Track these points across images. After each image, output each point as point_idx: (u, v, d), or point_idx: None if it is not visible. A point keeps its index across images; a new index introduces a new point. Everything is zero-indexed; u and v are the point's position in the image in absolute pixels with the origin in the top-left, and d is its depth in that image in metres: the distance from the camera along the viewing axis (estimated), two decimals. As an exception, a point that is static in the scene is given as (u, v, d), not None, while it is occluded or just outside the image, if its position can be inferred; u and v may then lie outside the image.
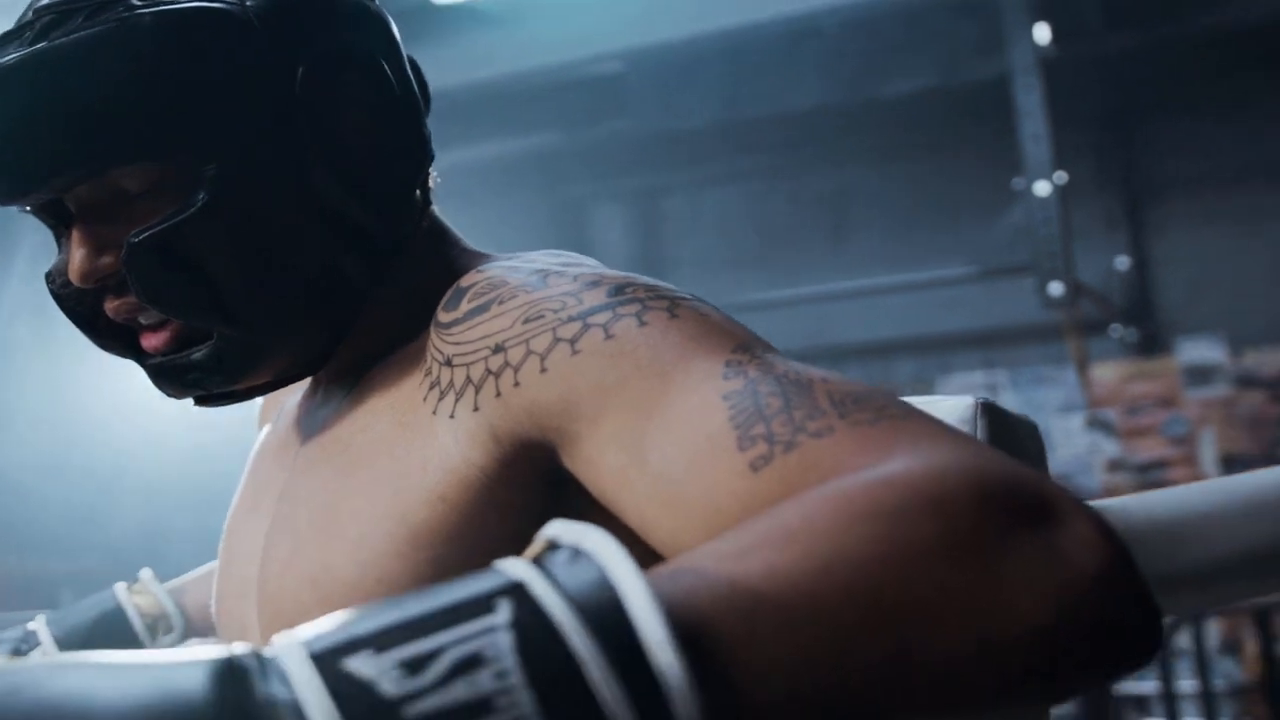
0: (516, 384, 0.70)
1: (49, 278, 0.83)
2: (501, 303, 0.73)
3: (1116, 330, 4.54)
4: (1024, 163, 3.65)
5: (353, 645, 0.38)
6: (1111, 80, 4.12)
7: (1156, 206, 4.54)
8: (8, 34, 0.77)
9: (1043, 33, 3.59)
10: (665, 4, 3.49)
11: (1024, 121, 3.64)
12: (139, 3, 0.75)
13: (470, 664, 0.37)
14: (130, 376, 0.89)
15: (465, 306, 0.75)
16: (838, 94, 3.94)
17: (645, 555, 0.53)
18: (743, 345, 0.65)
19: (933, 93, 3.90)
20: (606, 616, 0.39)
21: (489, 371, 0.71)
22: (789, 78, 3.92)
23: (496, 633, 0.38)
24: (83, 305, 0.82)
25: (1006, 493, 0.50)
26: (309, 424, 0.88)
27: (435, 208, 0.88)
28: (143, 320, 0.80)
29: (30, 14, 0.77)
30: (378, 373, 0.83)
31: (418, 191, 0.85)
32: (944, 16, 3.74)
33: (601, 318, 0.69)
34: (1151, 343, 4.55)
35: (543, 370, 0.68)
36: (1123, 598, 0.49)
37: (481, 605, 0.39)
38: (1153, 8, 3.81)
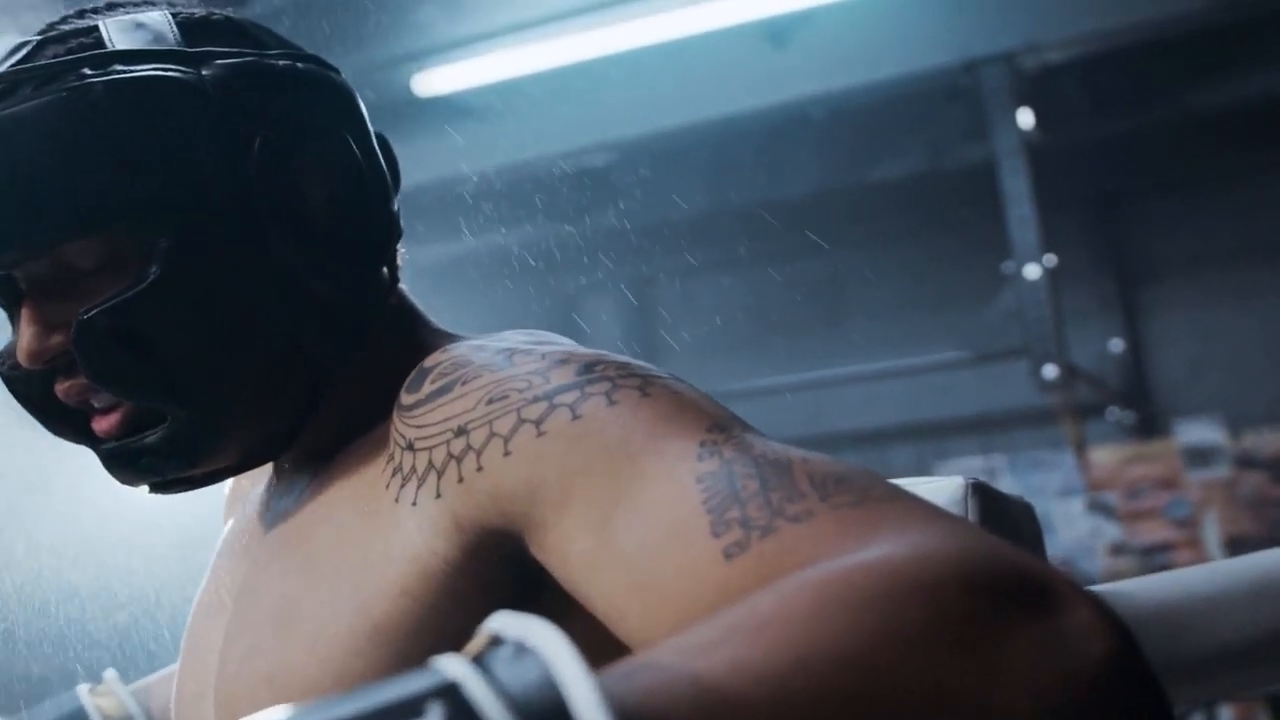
0: (479, 468, 0.66)
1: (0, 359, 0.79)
2: (465, 383, 0.70)
3: (1113, 413, 4.51)
4: (1013, 246, 3.66)
5: None
6: (1098, 163, 4.15)
7: (1149, 288, 4.55)
8: None
9: (1026, 118, 3.62)
10: (653, 94, 3.52)
11: (1011, 205, 3.65)
12: (90, 72, 0.72)
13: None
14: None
15: (428, 388, 0.72)
16: (827, 180, 3.96)
17: (617, 650, 0.49)
18: (718, 424, 0.62)
19: (921, 177, 3.92)
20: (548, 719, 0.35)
21: (450, 455, 0.68)
22: (779, 165, 3.94)
23: (422, 741, 0.35)
24: (34, 389, 0.78)
25: (1000, 578, 0.46)
26: (270, 515, 0.84)
27: (404, 286, 0.86)
28: (95, 403, 0.76)
29: None
30: (340, 459, 0.79)
31: (384, 269, 0.82)
32: (930, 102, 3.78)
33: (568, 397, 0.65)
34: (1149, 425, 4.53)
35: (506, 453, 0.65)
36: (1129, 688, 0.45)
37: (409, 709, 0.36)
38: (1136, 91, 3.85)
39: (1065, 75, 3.76)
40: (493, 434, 0.66)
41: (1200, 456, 4.20)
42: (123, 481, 0.79)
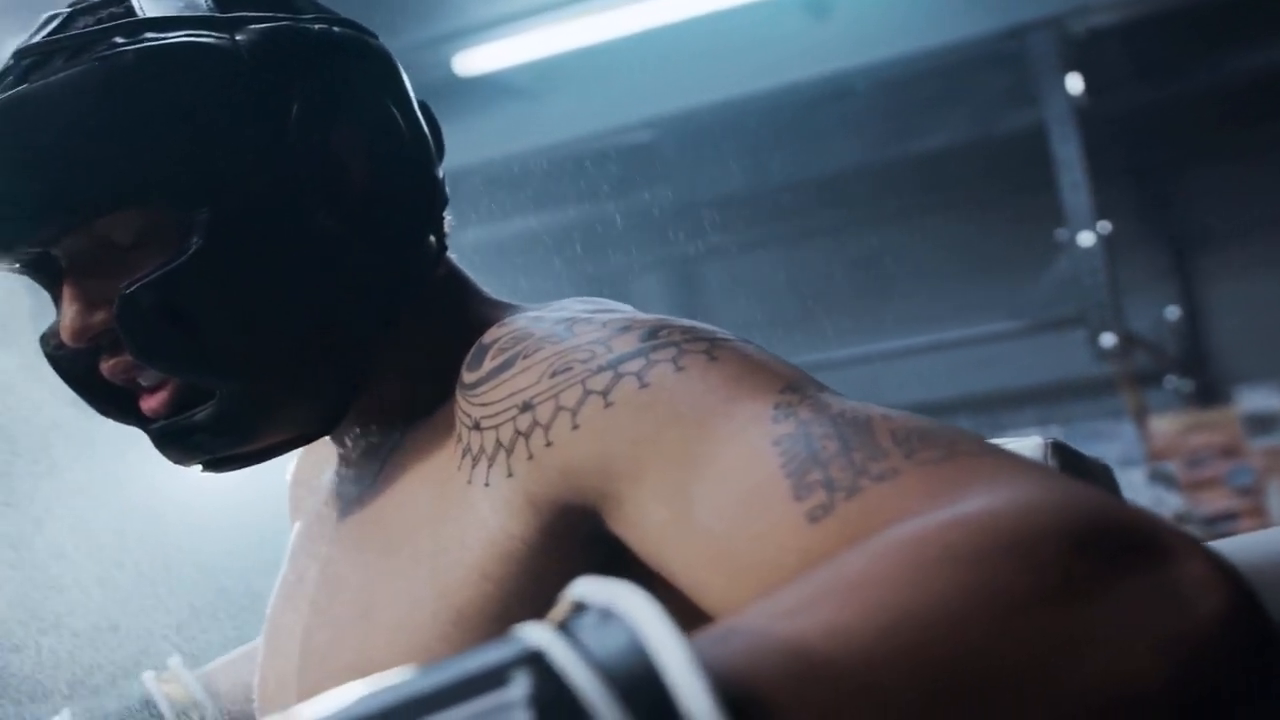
0: (548, 443, 0.64)
1: (44, 340, 0.78)
2: (526, 357, 0.68)
3: (1171, 381, 4.43)
4: (1065, 214, 3.60)
5: None
6: (1148, 128, 4.07)
7: (1204, 253, 4.46)
8: None
9: (1075, 83, 3.55)
10: (693, 71, 3.49)
11: (1062, 172, 3.59)
12: (121, 40, 0.70)
13: (480, 747, 0.32)
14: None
15: (489, 364, 0.70)
16: (873, 152, 3.92)
17: (699, 620, 0.47)
18: (791, 385, 0.59)
19: (969, 147, 3.86)
20: (640, 688, 0.33)
21: (518, 432, 0.66)
22: (822, 139, 3.89)
23: (511, 711, 0.33)
24: (79, 368, 0.77)
25: (1105, 531, 0.43)
26: (343, 503, 0.83)
27: (453, 255, 0.84)
28: (141, 381, 0.75)
29: (11, 57, 0.72)
30: (409, 443, 0.78)
31: (431, 236, 0.80)
32: (975, 70, 3.72)
33: (634, 365, 0.63)
34: (1208, 393, 4.45)
35: (574, 427, 0.63)
36: (1250, 642, 0.42)
37: (495, 679, 0.34)
38: (1186, 53, 3.78)
39: (1113, 39, 3.69)
40: (559, 408, 0.64)
41: (1261, 424, 4.12)
42: (174, 461, 0.78)
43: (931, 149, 3.90)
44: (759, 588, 0.52)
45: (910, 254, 4.35)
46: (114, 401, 0.78)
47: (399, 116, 0.78)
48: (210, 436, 0.75)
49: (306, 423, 0.79)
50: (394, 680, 0.35)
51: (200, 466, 0.79)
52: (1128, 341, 3.69)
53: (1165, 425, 4.23)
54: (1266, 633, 0.42)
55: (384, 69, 0.79)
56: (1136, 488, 4.25)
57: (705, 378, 0.61)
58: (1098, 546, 0.42)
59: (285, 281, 0.73)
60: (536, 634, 0.35)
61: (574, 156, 3.68)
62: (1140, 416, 4.16)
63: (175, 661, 1.11)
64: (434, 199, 0.80)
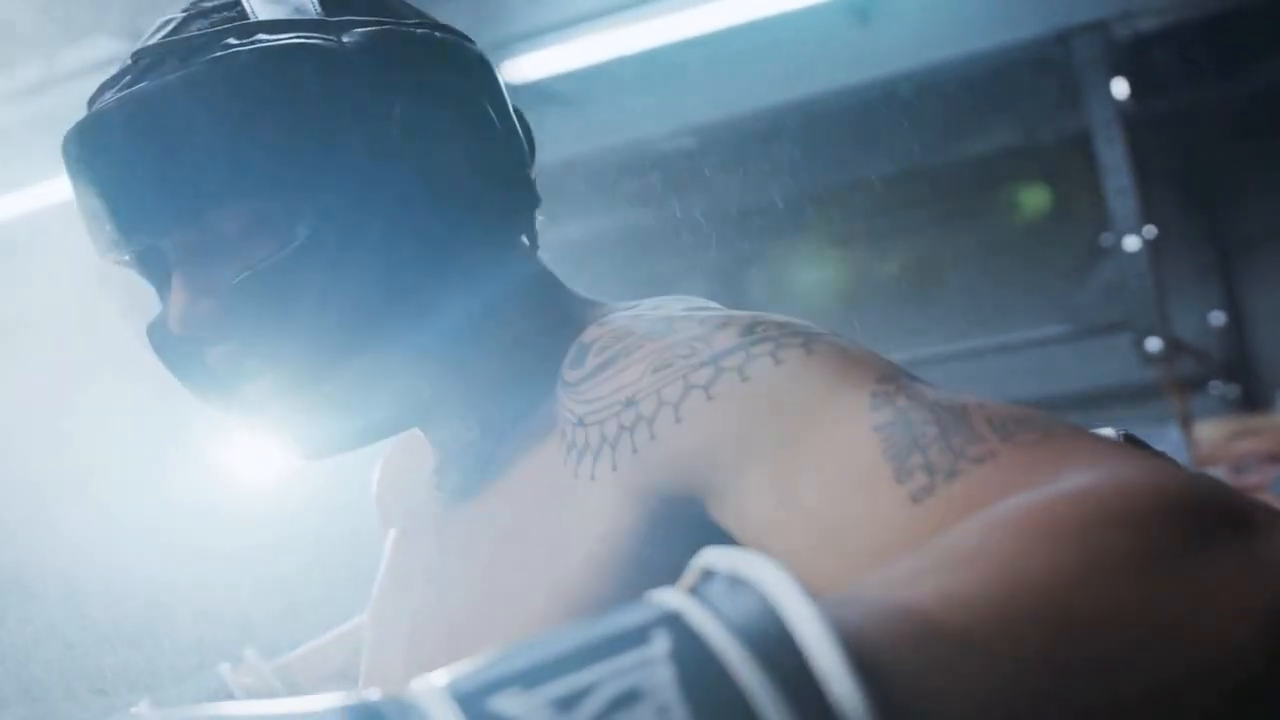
0: (652, 437, 0.66)
1: (150, 331, 0.81)
2: (628, 354, 0.70)
3: (1216, 387, 4.41)
4: (1111, 218, 3.59)
5: (499, 684, 0.35)
6: (1193, 132, 4.05)
7: (1249, 259, 4.43)
8: (107, 80, 0.77)
9: (1120, 87, 3.54)
10: (736, 78, 3.50)
11: (1108, 176, 3.57)
12: (235, 42, 0.74)
13: (628, 699, 0.34)
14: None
15: (591, 362, 0.72)
16: (918, 157, 3.92)
17: None
18: (887, 375, 0.62)
19: (1014, 152, 3.86)
20: (773, 645, 0.35)
21: (623, 427, 0.68)
22: (866, 144, 3.90)
23: (655, 666, 0.35)
24: (185, 357, 0.80)
25: (1201, 505, 0.45)
26: (446, 503, 0.85)
27: (543, 255, 0.86)
28: (245, 371, 0.78)
29: (129, 59, 0.76)
30: (512, 441, 0.80)
31: (523, 235, 0.83)
32: (1019, 75, 3.71)
33: (734, 360, 0.65)
34: (1253, 398, 4.42)
35: (677, 420, 0.65)
36: None
37: (636, 637, 0.36)
38: (1231, 57, 3.76)
39: (1158, 43, 3.68)
40: (662, 402, 0.66)
41: (1307, 429, 4.08)
42: (275, 448, 0.81)
43: (977, 154, 3.90)
44: (867, 567, 0.54)
45: (955, 259, 4.35)
46: (219, 392, 0.80)
47: (495, 118, 0.80)
48: (311, 423, 0.78)
49: (403, 409, 0.82)
50: (541, 637, 0.37)
51: (298, 453, 0.82)
52: (1173, 346, 3.67)
53: (1210, 431, 4.20)
54: None
55: (481, 72, 0.82)
56: (1182, 494, 4.22)
57: (804, 370, 0.63)
58: (1193, 518, 0.44)
59: (386, 273, 0.75)
60: (671, 598, 0.37)
61: (618, 163, 3.70)
62: (1186, 422, 4.13)
63: (251, 654, 1.14)
64: (528, 199, 0.83)
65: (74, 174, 0.76)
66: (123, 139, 0.73)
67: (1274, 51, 3.76)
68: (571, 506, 0.72)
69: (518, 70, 3.28)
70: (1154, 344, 3.59)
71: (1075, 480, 0.47)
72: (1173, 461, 0.90)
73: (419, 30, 0.79)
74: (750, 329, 0.67)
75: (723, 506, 0.64)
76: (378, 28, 0.77)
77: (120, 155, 0.74)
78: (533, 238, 0.85)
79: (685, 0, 3.23)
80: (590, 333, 0.75)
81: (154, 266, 0.82)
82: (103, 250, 0.79)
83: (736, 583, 0.37)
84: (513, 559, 0.74)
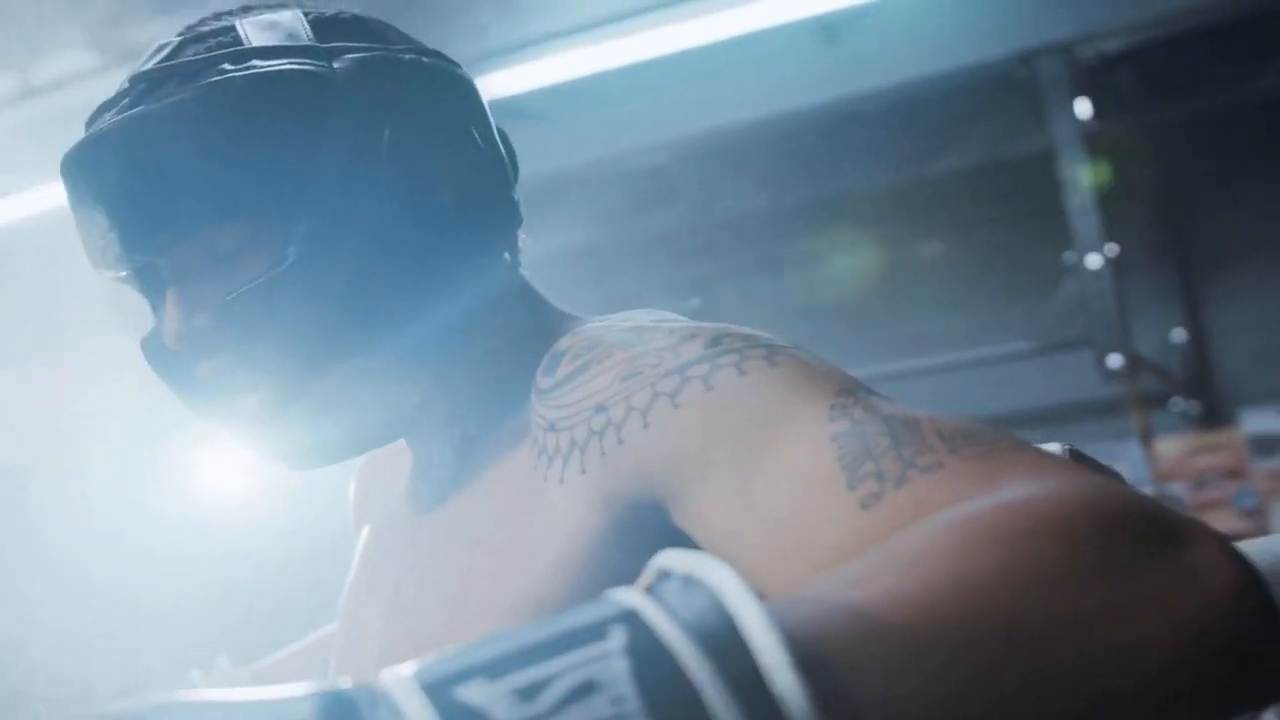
0: (620, 442, 0.69)
1: (145, 345, 0.83)
2: (599, 362, 0.73)
3: (1177, 403, 4.46)
4: (1074, 236, 3.64)
5: (465, 674, 0.37)
6: (1156, 152, 4.12)
7: (1210, 277, 4.49)
8: (105, 102, 0.79)
9: (1084, 107, 3.60)
10: (706, 95, 3.53)
11: (1071, 195, 3.63)
12: (230, 67, 0.76)
13: (585, 690, 0.36)
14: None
15: (563, 370, 0.75)
16: (885, 175, 3.96)
17: None
18: (846, 389, 0.64)
19: (979, 170, 3.90)
20: (722, 641, 0.38)
21: (592, 432, 0.71)
22: (834, 162, 3.94)
23: (610, 659, 0.37)
24: (179, 370, 0.82)
25: (1131, 516, 0.48)
26: (420, 506, 0.87)
27: (525, 271, 0.88)
28: (237, 384, 0.80)
29: (127, 82, 0.79)
30: (486, 445, 0.83)
31: (506, 254, 0.86)
32: (986, 94, 3.76)
33: (700, 370, 0.68)
34: (1213, 415, 4.47)
35: (645, 426, 0.68)
36: (1259, 617, 0.47)
37: (594, 632, 0.38)
38: (1194, 77, 3.82)
39: (1121, 64, 3.74)
40: (630, 409, 0.69)
41: (1266, 445, 4.14)
42: (263, 459, 0.84)
43: (942, 172, 3.94)
44: (820, 569, 0.56)
45: (921, 276, 4.39)
46: (211, 404, 0.83)
47: (480, 141, 0.83)
48: (300, 435, 0.81)
49: (389, 421, 0.84)
50: (503, 633, 0.39)
51: (288, 465, 0.84)
52: (1134, 363, 3.72)
53: (1171, 447, 4.25)
54: (1271, 610, 0.47)
55: (467, 97, 0.85)
56: (1144, 508, 4.27)
57: (766, 381, 0.66)
58: (1127, 531, 0.47)
59: (372, 290, 0.78)
60: (628, 596, 0.40)
61: (586, 179, 3.73)
62: (1146, 438, 4.18)
63: (223, 661, 1.15)
64: (510, 218, 0.86)
65: (72, 193, 0.79)
66: (120, 160, 0.76)
67: (1234, 72, 3.83)
68: (541, 509, 0.74)
69: (489, 86, 3.30)
70: (1115, 360, 3.64)
71: (1015, 492, 0.50)
72: (1117, 476, 0.94)
73: (407, 56, 0.82)
74: (716, 340, 0.70)
75: (685, 511, 0.67)
76: (367, 54, 0.80)
77: (117, 176, 0.76)
78: (515, 254, 0.88)
79: (655, 18, 3.27)
80: (563, 342, 0.78)
81: (149, 282, 0.84)
82: (99, 266, 0.81)
83: (690, 583, 0.40)
84: (483, 562, 0.77)
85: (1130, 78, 3.80)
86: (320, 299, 0.77)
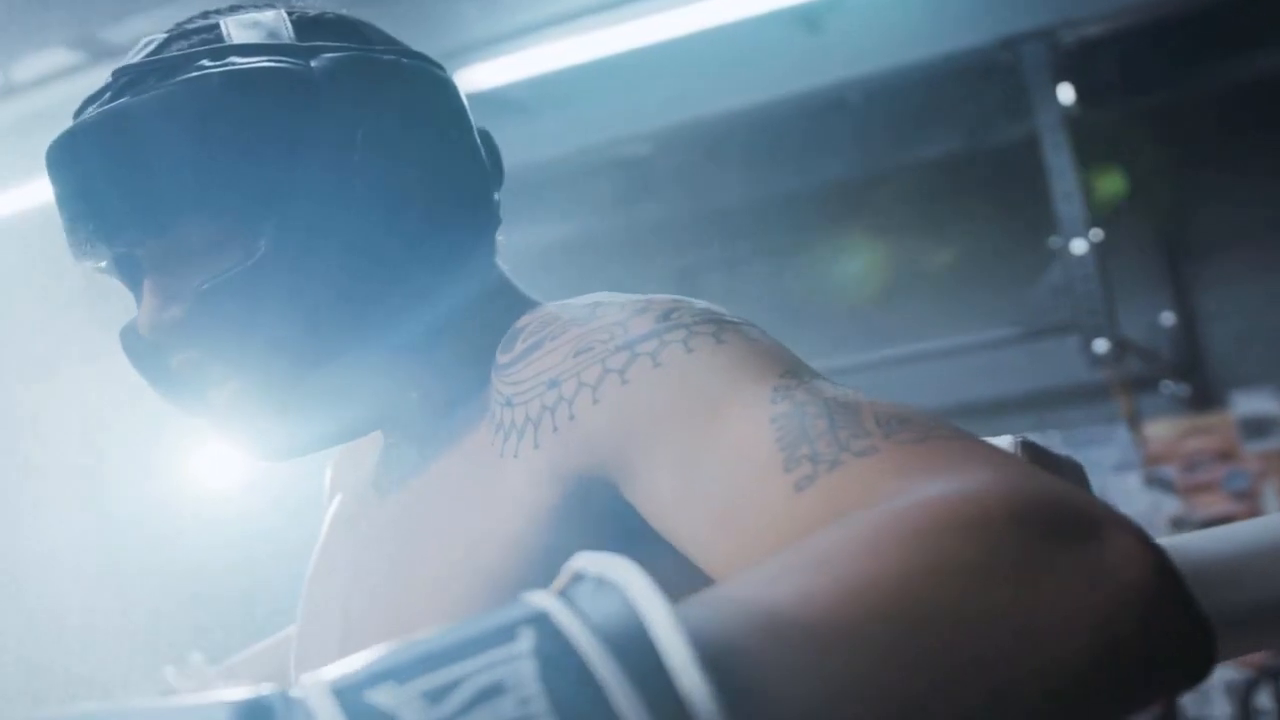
0: (571, 417, 0.70)
1: (123, 334, 0.85)
2: (553, 338, 0.74)
3: (1167, 386, 4.47)
4: (1059, 222, 3.64)
5: (376, 679, 0.38)
6: (1141, 136, 4.12)
7: (1197, 260, 4.50)
8: (90, 96, 0.80)
9: (1067, 93, 3.60)
10: (689, 85, 3.54)
11: (1055, 180, 3.63)
12: (209, 63, 0.77)
13: (492, 692, 0.37)
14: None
15: (520, 346, 0.76)
16: (868, 162, 3.96)
17: (703, 583, 0.52)
18: (790, 370, 0.65)
19: (963, 156, 3.91)
20: (630, 642, 0.38)
21: (545, 407, 0.72)
22: (817, 150, 3.94)
23: (518, 661, 0.37)
24: (153, 361, 0.83)
25: (1046, 511, 0.49)
26: (382, 485, 0.89)
27: (503, 266, 0.89)
28: (209, 376, 0.81)
29: (111, 76, 0.80)
30: (446, 425, 0.84)
31: (481, 254, 0.86)
32: (969, 81, 3.76)
33: (649, 345, 0.69)
34: (1203, 397, 4.48)
35: (595, 401, 0.69)
36: (1170, 610, 0.47)
37: (504, 634, 0.39)
38: (1177, 62, 3.82)
39: (1104, 49, 3.74)
40: (581, 384, 0.70)
41: (1257, 427, 4.16)
42: (235, 450, 0.85)
43: (926, 159, 3.95)
44: (755, 550, 0.57)
45: (906, 263, 4.39)
46: (184, 394, 0.84)
47: (459, 143, 0.84)
48: (269, 428, 0.82)
49: (358, 419, 0.86)
50: (417, 637, 0.39)
51: (259, 457, 0.85)
52: (1121, 347, 3.73)
53: (1161, 430, 4.27)
54: (1185, 602, 0.48)
55: (447, 97, 0.85)
56: (1133, 492, 4.29)
57: (712, 359, 0.67)
58: (1041, 527, 0.48)
59: (343, 286, 0.79)
60: (540, 599, 0.40)
61: (570, 171, 3.73)
62: (1134, 422, 4.20)
63: (197, 658, 1.15)
64: (486, 220, 0.86)
65: (54, 184, 0.80)
66: (98, 152, 0.77)
67: (1219, 56, 3.83)
68: (496, 485, 0.75)
69: (471, 79, 3.30)
70: (1101, 345, 3.65)
71: (935, 487, 0.51)
72: (1075, 466, 0.94)
73: (386, 57, 0.82)
74: (666, 315, 0.71)
75: (633, 489, 0.68)
76: (345, 53, 0.80)
77: (95, 167, 0.78)
78: (491, 253, 0.88)
79: (637, 9, 3.27)
80: (522, 320, 0.79)
81: (131, 274, 0.85)
82: (78, 256, 0.82)
83: (602, 584, 0.40)
84: (438, 536, 0.78)
85: (1113, 63, 3.80)
86: (289, 294, 0.77)
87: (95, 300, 0.90)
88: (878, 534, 0.47)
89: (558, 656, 0.37)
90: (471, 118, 0.87)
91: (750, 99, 3.61)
